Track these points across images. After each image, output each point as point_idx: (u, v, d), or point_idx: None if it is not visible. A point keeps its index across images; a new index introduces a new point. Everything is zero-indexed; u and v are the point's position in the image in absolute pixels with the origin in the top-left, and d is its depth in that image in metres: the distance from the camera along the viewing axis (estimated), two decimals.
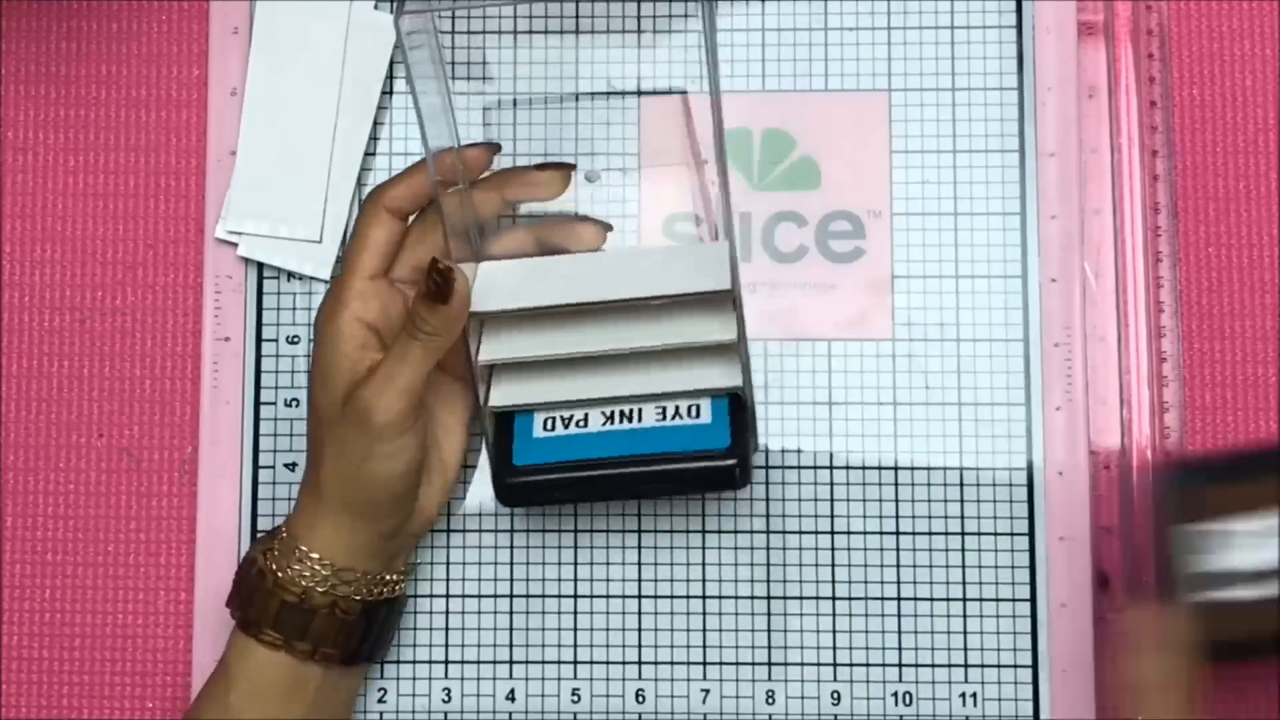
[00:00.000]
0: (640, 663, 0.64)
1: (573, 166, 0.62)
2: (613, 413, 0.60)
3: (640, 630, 0.64)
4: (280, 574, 0.58)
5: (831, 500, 0.64)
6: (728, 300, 0.58)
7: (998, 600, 0.64)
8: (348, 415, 0.57)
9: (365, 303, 0.59)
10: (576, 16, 0.67)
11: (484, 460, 0.65)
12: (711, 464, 0.58)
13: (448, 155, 0.59)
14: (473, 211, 0.61)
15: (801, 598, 0.64)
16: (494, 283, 0.59)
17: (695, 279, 0.58)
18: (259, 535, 0.64)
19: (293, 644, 0.58)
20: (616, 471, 0.58)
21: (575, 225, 0.63)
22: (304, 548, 0.58)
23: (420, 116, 0.56)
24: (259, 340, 0.66)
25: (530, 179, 0.62)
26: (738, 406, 0.60)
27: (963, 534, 0.64)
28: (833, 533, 0.64)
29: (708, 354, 0.60)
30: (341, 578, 0.59)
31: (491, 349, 0.59)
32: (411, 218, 0.61)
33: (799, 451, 0.65)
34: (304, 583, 0.58)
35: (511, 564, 0.65)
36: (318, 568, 0.58)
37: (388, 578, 0.60)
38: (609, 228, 0.63)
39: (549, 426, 0.60)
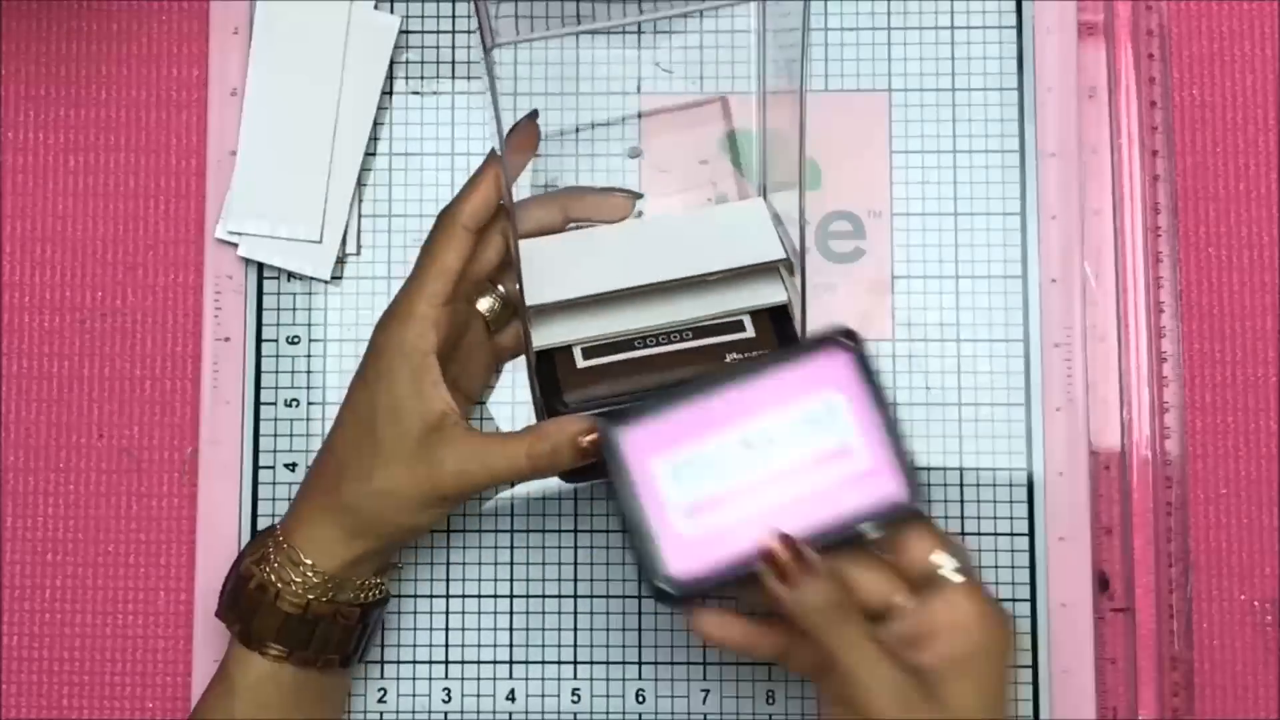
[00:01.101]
0: (640, 663, 0.64)
1: (638, 194, 0.63)
2: (653, 338, 0.59)
3: (640, 630, 0.64)
4: (282, 586, 0.58)
5: None
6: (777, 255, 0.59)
7: (998, 600, 0.64)
8: (419, 470, 0.56)
9: (437, 331, 0.57)
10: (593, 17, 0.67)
11: None
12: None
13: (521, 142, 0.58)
14: (532, 221, 0.61)
15: None
16: (542, 266, 0.58)
17: (744, 248, 0.58)
18: (248, 544, 0.62)
19: (296, 654, 0.58)
20: (667, 349, 0.57)
21: (605, 197, 0.63)
22: (308, 560, 0.58)
23: (500, 139, 0.55)
24: (259, 340, 0.66)
25: (597, 202, 0.62)
26: (783, 318, 0.59)
27: (963, 534, 0.64)
28: None
29: (751, 273, 0.60)
30: (341, 585, 0.58)
31: (543, 335, 0.59)
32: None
33: None
34: (307, 594, 0.58)
35: (511, 564, 0.65)
36: (319, 578, 0.58)
37: (378, 580, 0.60)
38: (638, 195, 0.63)
39: (590, 355, 0.59)
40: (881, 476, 0.52)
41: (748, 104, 0.66)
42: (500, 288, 0.61)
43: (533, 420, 0.62)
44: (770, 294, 0.59)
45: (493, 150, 0.59)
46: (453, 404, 0.57)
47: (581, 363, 0.59)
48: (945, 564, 0.51)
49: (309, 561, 0.58)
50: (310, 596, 0.58)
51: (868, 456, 0.52)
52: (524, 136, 0.60)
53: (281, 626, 0.58)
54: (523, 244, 0.58)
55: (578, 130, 0.66)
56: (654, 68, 0.66)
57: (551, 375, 0.58)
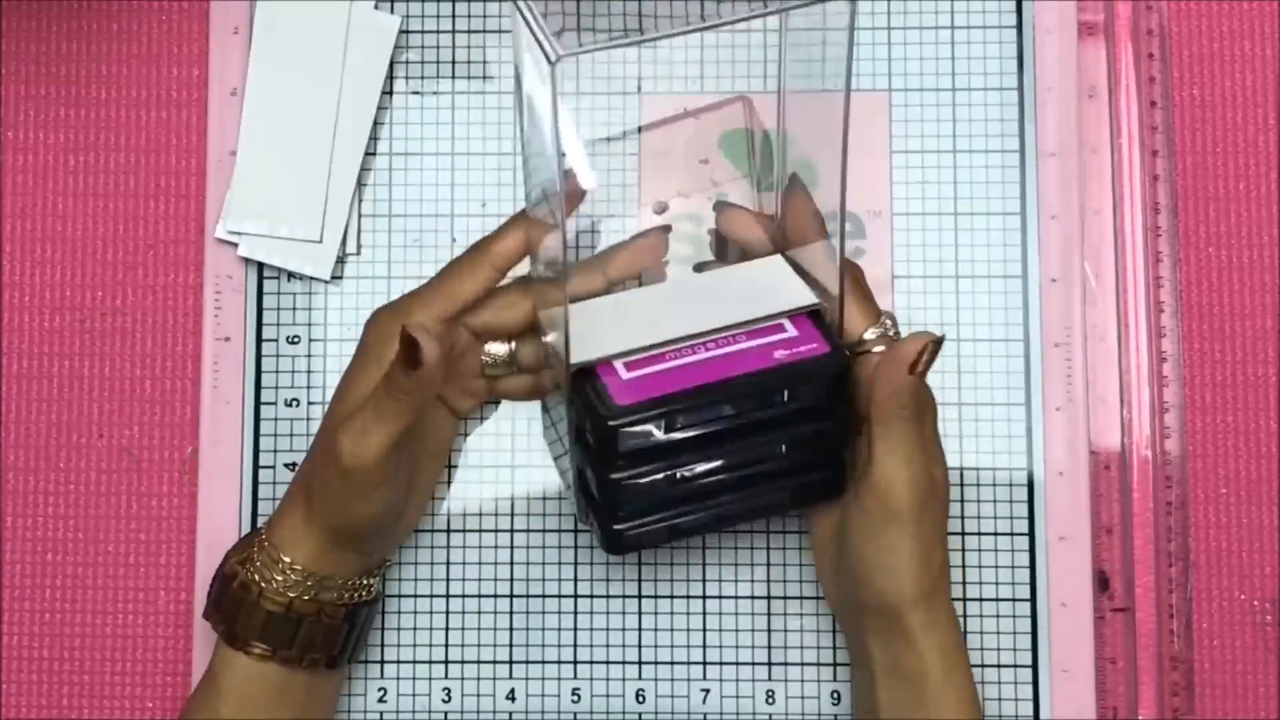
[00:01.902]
0: (640, 663, 0.64)
1: (668, 228, 0.63)
2: (691, 348, 0.58)
3: (640, 630, 0.64)
4: (265, 584, 0.58)
5: None
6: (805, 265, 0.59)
7: (998, 600, 0.64)
8: (326, 451, 0.57)
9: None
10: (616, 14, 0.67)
11: (481, 460, 0.65)
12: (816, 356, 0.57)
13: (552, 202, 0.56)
14: (578, 288, 0.60)
15: (801, 598, 0.64)
16: (588, 327, 0.58)
17: (777, 298, 0.58)
18: (235, 545, 0.62)
19: (280, 653, 0.58)
20: (721, 385, 0.56)
21: (636, 245, 0.62)
22: (287, 558, 0.58)
23: (560, 158, 0.53)
24: (259, 340, 0.66)
25: (633, 252, 0.61)
26: (819, 321, 0.58)
27: (963, 534, 0.64)
28: None
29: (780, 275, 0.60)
30: (324, 585, 0.58)
31: (581, 349, 0.58)
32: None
33: None
34: (289, 592, 0.58)
35: (511, 564, 0.65)
36: (300, 576, 0.58)
37: (365, 581, 0.60)
38: (666, 229, 0.63)
39: (632, 368, 0.58)
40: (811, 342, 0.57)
41: (756, 103, 0.66)
42: (512, 344, 0.61)
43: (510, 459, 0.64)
44: (801, 295, 0.58)
45: (521, 212, 0.60)
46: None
47: (625, 376, 0.57)
48: (870, 335, 0.58)
49: (288, 559, 0.58)
50: (292, 595, 0.58)
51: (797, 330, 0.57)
52: (572, 192, 0.61)
53: (264, 625, 0.58)
54: (572, 309, 0.56)
55: (578, 131, 0.66)
56: (654, 67, 0.66)
57: (592, 395, 0.56)
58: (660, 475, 0.57)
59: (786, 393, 0.57)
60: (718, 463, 0.58)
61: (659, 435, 0.56)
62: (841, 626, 0.62)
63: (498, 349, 0.61)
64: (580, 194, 0.62)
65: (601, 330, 0.58)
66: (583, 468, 0.59)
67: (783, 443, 0.58)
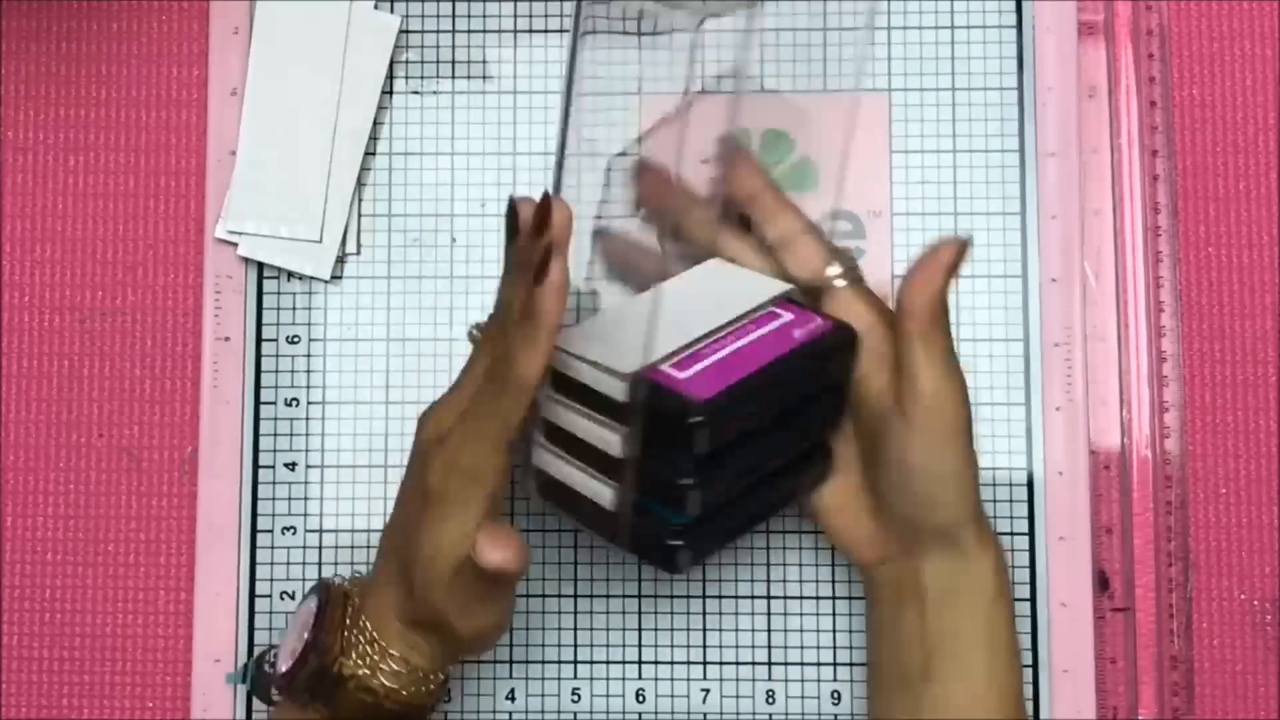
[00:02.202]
0: (640, 663, 0.64)
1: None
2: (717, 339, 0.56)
3: (640, 630, 0.64)
4: (385, 690, 0.54)
5: None
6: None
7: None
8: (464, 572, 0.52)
9: (508, 457, 0.52)
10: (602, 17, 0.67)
11: None
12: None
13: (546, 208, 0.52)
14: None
15: (801, 598, 0.64)
16: (598, 345, 0.55)
17: (758, 289, 0.58)
18: (319, 613, 0.56)
19: None
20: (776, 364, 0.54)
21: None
22: (385, 644, 0.54)
23: (568, 88, 0.52)
24: (259, 340, 0.66)
25: (629, 255, 0.62)
26: (799, 303, 0.58)
27: None
28: None
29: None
30: (417, 679, 0.55)
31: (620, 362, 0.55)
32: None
33: None
34: (403, 691, 0.54)
35: None
36: (411, 675, 0.55)
37: (436, 676, 0.57)
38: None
39: (682, 366, 0.54)
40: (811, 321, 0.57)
41: (757, 103, 0.66)
42: None
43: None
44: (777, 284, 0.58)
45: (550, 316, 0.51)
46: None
47: (671, 370, 0.54)
48: (833, 272, 0.57)
49: (385, 643, 0.54)
50: (406, 693, 0.54)
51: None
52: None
53: (360, 708, 0.54)
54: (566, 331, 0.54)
55: (577, 130, 0.66)
56: (653, 67, 0.66)
57: (655, 411, 0.53)
58: (734, 472, 0.55)
59: (826, 366, 0.56)
60: (780, 452, 0.56)
61: (743, 426, 0.54)
62: (877, 574, 0.58)
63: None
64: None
65: (616, 343, 0.55)
66: (638, 485, 0.54)
67: (818, 422, 0.57)
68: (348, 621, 0.55)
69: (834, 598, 0.64)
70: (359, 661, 0.54)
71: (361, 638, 0.55)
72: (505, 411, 0.51)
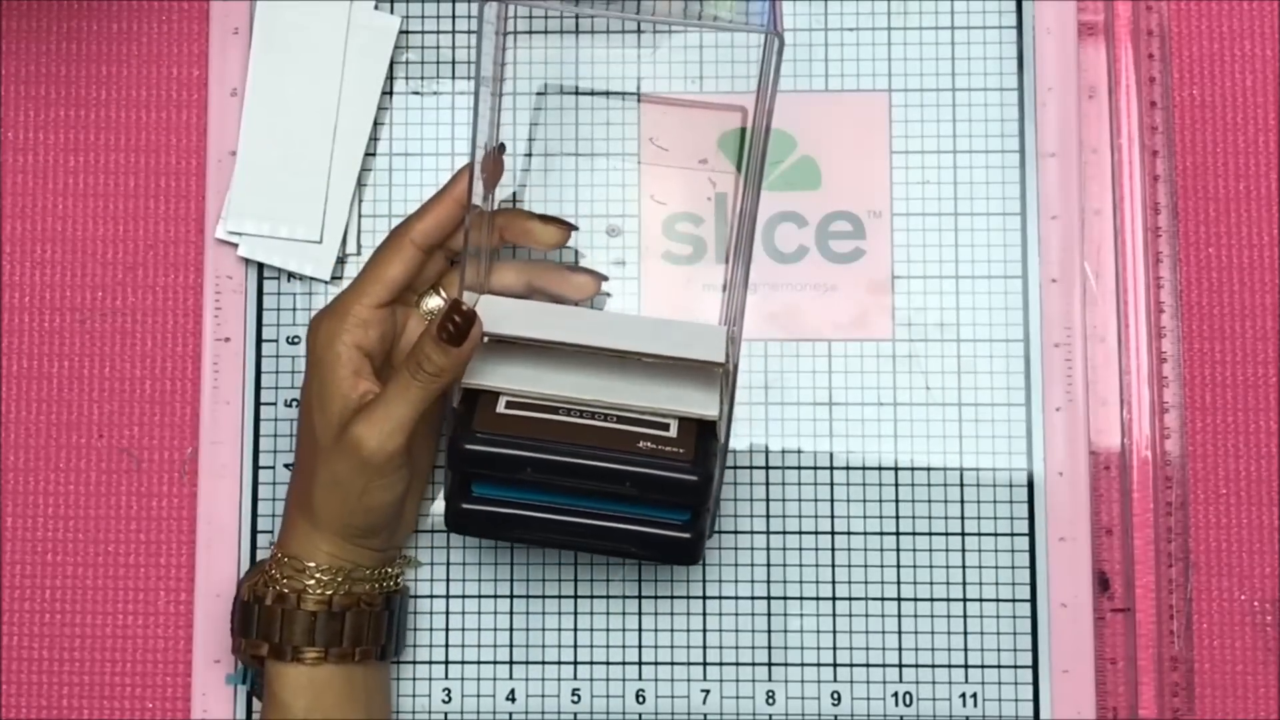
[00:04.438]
0: (640, 663, 0.64)
1: (573, 226, 0.62)
2: (579, 410, 0.58)
3: (640, 630, 0.64)
4: (300, 591, 0.59)
5: (831, 500, 0.64)
6: (717, 373, 0.59)
7: (998, 600, 0.64)
8: (343, 448, 0.57)
9: (367, 330, 0.59)
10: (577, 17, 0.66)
11: None
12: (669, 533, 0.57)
13: (487, 163, 0.58)
14: (485, 238, 0.60)
15: (801, 598, 0.64)
16: (498, 313, 0.59)
17: (693, 348, 0.58)
18: (244, 576, 0.63)
19: (334, 651, 0.59)
20: (576, 460, 0.56)
21: (571, 274, 0.62)
22: (310, 564, 0.59)
23: (475, 114, 0.56)
24: (259, 340, 0.66)
25: (528, 229, 0.61)
26: (707, 431, 0.58)
27: (963, 534, 0.64)
28: (833, 533, 0.64)
29: (690, 377, 0.59)
30: (353, 578, 0.59)
31: (478, 375, 0.58)
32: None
33: (799, 452, 0.65)
34: (325, 590, 0.59)
35: (511, 564, 0.65)
36: (329, 575, 0.59)
37: (390, 570, 0.62)
38: (603, 278, 0.63)
39: (513, 406, 0.58)
40: None
41: (746, 103, 0.66)
42: (442, 292, 0.62)
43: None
44: (704, 405, 0.58)
45: (466, 168, 0.58)
46: (377, 386, 0.58)
47: (502, 409, 0.58)
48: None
49: (312, 564, 0.59)
50: (329, 592, 0.59)
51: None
52: (491, 167, 0.61)
53: (311, 629, 0.58)
54: (481, 299, 0.59)
55: (578, 130, 0.66)
56: (653, 67, 0.66)
57: (469, 413, 0.58)
58: (512, 478, 0.57)
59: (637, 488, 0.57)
60: (565, 499, 0.58)
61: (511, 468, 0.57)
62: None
63: (431, 302, 0.62)
64: (500, 169, 0.62)
65: (507, 318, 0.58)
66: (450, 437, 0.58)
67: (629, 510, 0.58)
68: (267, 566, 0.60)
69: (834, 598, 0.64)
70: (285, 581, 0.59)
71: (282, 568, 0.59)
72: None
